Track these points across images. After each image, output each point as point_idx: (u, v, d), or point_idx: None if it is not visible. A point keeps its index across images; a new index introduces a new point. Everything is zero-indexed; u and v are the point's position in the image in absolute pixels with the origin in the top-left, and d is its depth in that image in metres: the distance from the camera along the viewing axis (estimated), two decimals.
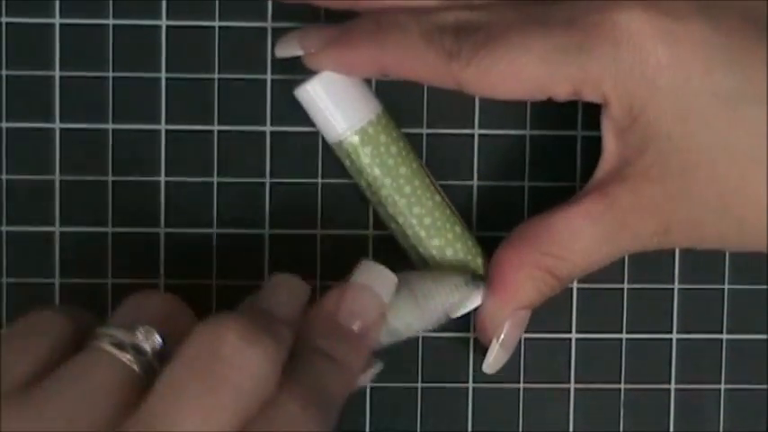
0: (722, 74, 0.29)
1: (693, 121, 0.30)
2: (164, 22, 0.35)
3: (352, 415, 0.36)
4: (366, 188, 0.34)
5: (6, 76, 0.35)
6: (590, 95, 0.31)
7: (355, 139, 0.33)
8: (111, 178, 0.36)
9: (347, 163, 0.34)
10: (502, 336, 0.34)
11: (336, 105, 0.33)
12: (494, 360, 0.34)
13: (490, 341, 0.34)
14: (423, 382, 0.36)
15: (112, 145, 0.36)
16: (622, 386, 0.37)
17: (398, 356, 0.36)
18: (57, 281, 0.36)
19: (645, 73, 0.30)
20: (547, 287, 0.33)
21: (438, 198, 0.34)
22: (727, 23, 0.30)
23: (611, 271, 0.34)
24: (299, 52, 0.33)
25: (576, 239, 0.32)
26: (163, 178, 0.36)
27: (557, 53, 0.30)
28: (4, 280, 0.36)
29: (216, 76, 0.36)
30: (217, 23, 0.36)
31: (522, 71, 0.30)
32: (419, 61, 0.31)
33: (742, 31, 0.30)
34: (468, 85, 0.31)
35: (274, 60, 0.35)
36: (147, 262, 0.36)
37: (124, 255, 0.36)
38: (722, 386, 0.37)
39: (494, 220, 0.36)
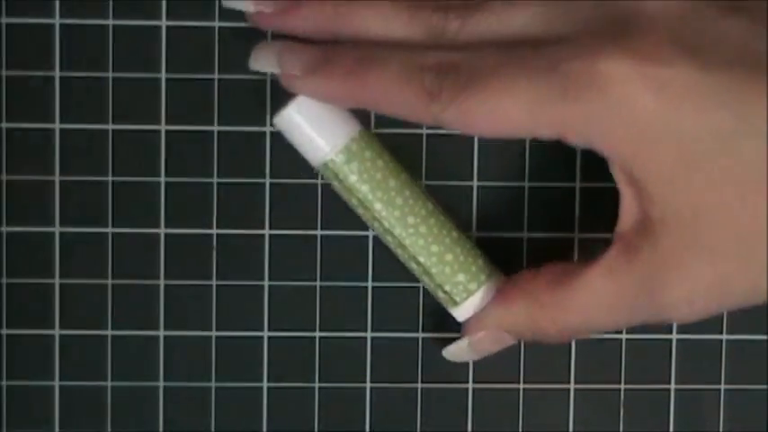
0: (716, 113, 0.29)
1: (695, 163, 0.29)
2: (164, 23, 0.35)
3: (353, 415, 0.36)
4: (358, 206, 0.34)
5: (6, 76, 0.35)
6: (574, 141, 0.30)
7: (340, 158, 0.33)
8: (111, 178, 0.36)
9: (335, 184, 0.33)
10: (476, 337, 0.34)
11: (317, 128, 0.33)
12: (455, 352, 0.34)
13: (466, 334, 0.34)
14: (423, 382, 0.36)
15: (112, 145, 0.36)
16: (622, 386, 0.37)
17: (398, 356, 0.36)
18: (57, 281, 0.36)
19: (633, 119, 0.29)
20: (539, 328, 0.33)
21: (430, 206, 0.34)
22: (714, 64, 0.29)
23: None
24: (277, 70, 0.32)
25: (589, 294, 0.31)
26: (163, 179, 0.36)
27: (540, 100, 0.29)
28: (4, 280, 0.36)
29: (216, 76, 0.36)
30: (217, 23, 0.36)
31: (504, 116, 0.30)
32: (398, 99, 0.31)
33: (730, 70, 0.29)
34: (448, 125, 0.31)
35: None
36: (147, 262, 0.36)
37: (124, 255, 0.36)
38: (722, 386, 0.37)
39: (494, 221, 0.36)
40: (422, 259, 0.34)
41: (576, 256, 0.36)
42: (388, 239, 0.34)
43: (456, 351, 0.34)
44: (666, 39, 0.29)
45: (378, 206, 0.33)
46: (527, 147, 0.36)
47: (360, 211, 0.34)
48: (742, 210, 0.29)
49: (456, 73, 0.30)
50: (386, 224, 0.33)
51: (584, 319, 0.32)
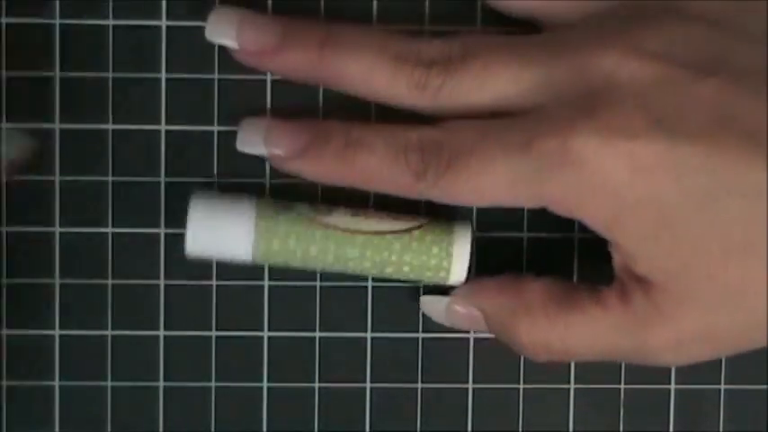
0: (690, 179, 0.29)
1: (675, 225, 0.30)
2: (164, 23, 0.35)
3: (353, 415, 0.36)
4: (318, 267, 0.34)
5: (6, 76, 0.35)
6: (557, 211, 0.31)
7: (259, 255, 0.34)
8: (110, 178, 0.36)
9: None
10: (457, 309, 0.34)
11: (222, 245, 0.33)
12: (431, 307, 0.35)
13: (448, 304, 0.34)
14: (423, 382, 0.37)
15: (112, 145, 0.36)
16: (622, 386, 0.37)
17: (398, 356, 0.36)
18: (57, 281, 0.36)
19: (609, 192, 0.30)
20: (513, 330, 0.33)
21: (359, 237, 0.34)
22: (685, 132, 0.29)
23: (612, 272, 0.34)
24: (264, 152, 0.33)
25: (579, 321, 0.32)
26: (163, 179, 0.36)
27: (518, 178, 0.30)
28: (4, 280, 0.36)
29: (216, 76, 0.36)
30: None
31: (486, 194, 0.31)
32: (386, 180, 0.32)
33: (705, 135, 0.29)
34: (436, 199, 0.32)
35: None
36: (147, 262, 0.36)
37: (124, 255, 0.36)
38: (722, 386, 0.37)
39: (494, 221, 0.36)
40: (390, 271, 0.34)
41: (576, 256, 0.36)
42: (367, 272, 0.34)
43: (432, 306, 0.35)
44: (637, 111, 0.30)
45: (329, 259, 0.34)
46: None
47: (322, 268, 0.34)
48: (727, 266, 0.30)
49: (438, 152, 0.31)
50: (338, 268, 0.34)
51: (563, 341, 0.32)
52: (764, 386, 0.37)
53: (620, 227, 0.30)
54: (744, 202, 0.29)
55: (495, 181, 0.31)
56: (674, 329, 0.31)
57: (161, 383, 0.36)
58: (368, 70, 0.32)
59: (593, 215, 0.30)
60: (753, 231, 0.30)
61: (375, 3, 0.35)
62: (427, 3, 0.35)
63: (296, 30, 0.33)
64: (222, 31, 0.33)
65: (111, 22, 0.35)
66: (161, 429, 0.36)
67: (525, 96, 0.31)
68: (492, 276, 0.34)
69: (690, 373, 0.37)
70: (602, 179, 0.30)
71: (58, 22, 0.35)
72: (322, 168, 0.33)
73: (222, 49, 0.35)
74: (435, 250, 0.34)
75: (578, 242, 0.36)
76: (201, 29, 0.35)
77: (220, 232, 0.33)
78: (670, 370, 0.37)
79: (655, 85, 0.30)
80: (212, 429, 0.36)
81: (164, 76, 0.36)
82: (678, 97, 0.30)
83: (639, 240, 0.30)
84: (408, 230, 0.34)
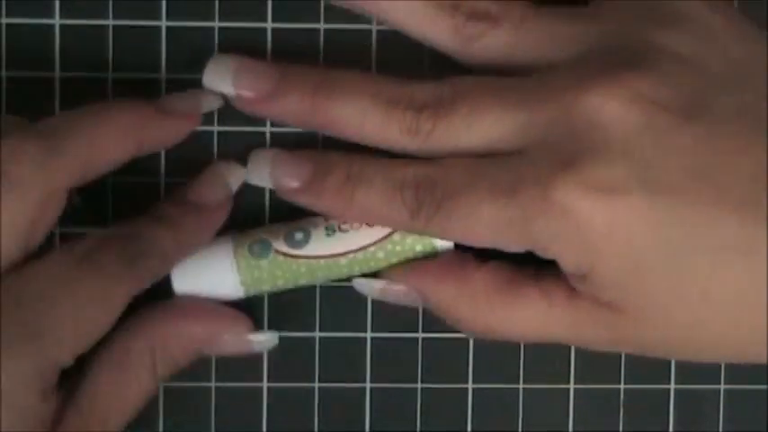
0: (665, 231, 0.30)
1: (643, 272, 0.30)
2: (164, 23, 0.35)
3: (352, 415, 0.36)
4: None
5: (6, 76, 0.35)
6: (542, 255, 0.32)
7: (252, 295, 0.34)
8: (110, 178, 0.35)
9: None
10: (395, 288, 0.34)
11: (210, 285, 0.34)
12: (364, 286, 0.35)
13: (388, 279, 0.34)
14: (423, 382, 0.36)
15: None
16: (622, 386, 0.37)
17: (398, 356, 0.36)
18: None
19: (587, 241, 0.30)
20: (456, 314, 0.33)
21: (343, 258, 0.34)
22: (667, 183, 0.30)
23: None
24: (270, 185, 0.34)
25: (521, 311, 0.33)
26: (163, 179, 0.36)
27: (503, 223, 0.31)
28: None
29: None
30: (216, 23, 0.36)
31: (476, 236, 0.32)
32: (383, 216, 0.33)
33: (682, 189, 0.30)
34: (432, 236, 0.33)
35: (274, 60, 0.35)
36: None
37: None
38: (722, 386, 0.37)
39: None
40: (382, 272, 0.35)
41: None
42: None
43: (366, 287, 0.35)
44: (618, 163, 0.30)
45: (304, 282, 0.34)
46: None
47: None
48: (683, 315, 0.31)
49: (432, 191, 0.32)
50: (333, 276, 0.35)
51: (505, 328, 0.33)
52: (764, 386, 0.37)
53: (593, 271, 0.31)
54: (711, 258, 0.30)
55: (481, 225, 0.31)
56: (614, 339, 0.32)
57: (161, 383, 0.36)
58: (360, 115, 0.33)
59: (571, 261, 0.31)
60: (715, 288, 0.30)
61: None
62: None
63: (291, 76, 0.33)
64: (219, 78, 0.34)
65: (111, 22, 0.35)
66: (161, 429, 0.36)
67: (509, 140, 0.32)
68: (434, 259, 0.34)
69: (690, 373, 0.37)
70: (582, 230, 0.30)
71: (57, 22, 0.35)
72: (323, 202, 0.33)
73: (221, 49, 0.35)
74: (419, 248, 0.34)
75: None
76: (201, 29, 0.35)
77: (208, 289, 0.34)
78: (670, 370, 0.37)
79: (635, 131, 0.30)
80: (212, 429, 0.36)
81: (164, 76, 0.36)
82: (657, 147, 0.30)
83: (608, 283, 0.31)
84: (388, 236, 0.34)
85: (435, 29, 0.33)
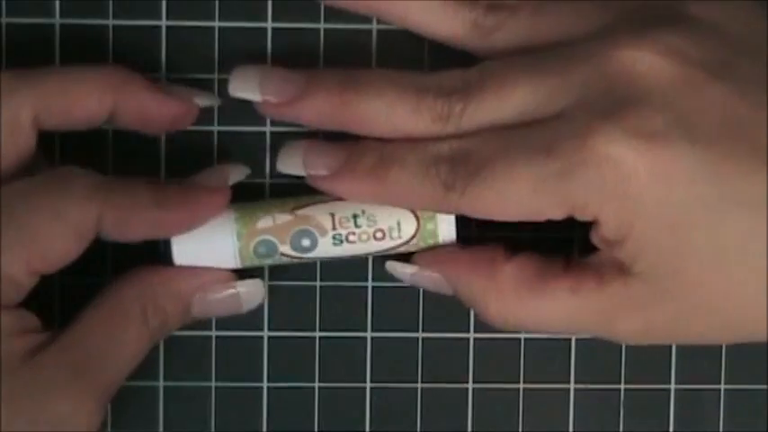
0: (705, 184, 0.30)
1: (681, 230, 0.30)
2: (164, 23, 0.35)
3: (352, 415, 0.36)
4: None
5: None
6: (582, 217, 0.31)
7: (250, 249, 0.34)
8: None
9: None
10: (424, 274, 0.34)
11: (209, 255, 0.34)
12: (397, 270, 0.35)
13: (418, 265, 0.34)
14: (423, 382, 0.36)
15: (113, 144, 0.36)
16: (622, 386, 0.37)
17: (398, 356, 0.36)
18: (57, 281, 0.35)
19: (628, 192, 0.30)
20: (484, 307, 0.33)
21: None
22: (704, 135, 0.30)
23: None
24: (302, 172, 0.33)
25: (550, 305, 0.32)
26: (163, 179, 0.36)
27: (541, 182, 0.31)
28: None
29: (216, 76, 0.36)
30: (217, 23, 0.36)
31: (511, 201, 0.31)
32: (418, 194, 0.32)
33: (717, 143, 0.30)
34: (466, 212, 0.32)
35: (274, 60, 0.35)
36: (147, 262, 0.35)
37: (124, 255, 0.35)
38: (722, 386, 0.37)
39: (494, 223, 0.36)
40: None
41: (575, 257, 0.36)
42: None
43: (399, 271, 0.35)
44: (658, 112, 0.30)
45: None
46: None
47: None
48: (717, 274, 0.31)
49: (466, 162, 0.31)
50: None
51: (534, 322, 0.33)
52: (764, 386, 0.37)
53: (633, 229, 0.30)
54: (747, 213, 0.30)
55: (518, 186, 0.31)
56: (646, 320, 0.32)
57: (161, 383, 0.36)
58: (389, 107, 0.32)
59: (612, 217, 0.31)
60: (752, 244, 0.30)
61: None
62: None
63: (317, 77, 0.33)
64: (245, 85, 0.33)
65: (111, 22, 0.35)
66: (161, 429, 0.36)
67: (546, 104, 0.31)
68: (464, 250, 0.34)
69: (690, 373, 0.37)
70: (623, 178, 0.30)
71: (58, 21, 0.35)
72: (357, 185, 0.33)
73: (221, 49, 0.35)
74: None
75: (578, 241, 0.36)
76: (201, 29, 0.35)
77: (205, 242, 0.34)
78: (670, 370, 0.37)
79: (672, 82, 0.30)
80: (212, 429, 0.36)
81: (164, 75, 0.36)
82: (693, 99, 0.30)
83: (646, 243, 0.31)
84: (394, 248, 0.34)
85: (454, 25, 0.33)
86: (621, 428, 0.37)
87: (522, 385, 0.37)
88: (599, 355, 0.37)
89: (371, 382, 0.36)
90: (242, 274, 0.34)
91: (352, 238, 0.34)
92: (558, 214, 0.31)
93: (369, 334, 0.36)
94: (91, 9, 0.35)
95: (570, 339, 0.37)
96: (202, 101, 0.34)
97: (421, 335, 0.36)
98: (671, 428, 0.37)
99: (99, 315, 0.32)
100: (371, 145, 0.33)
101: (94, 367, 0.31)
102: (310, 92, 0.33)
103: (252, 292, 0.34)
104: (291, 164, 0.34)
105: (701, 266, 0.30)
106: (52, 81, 0.32)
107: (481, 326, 0.36)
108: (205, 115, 0.35)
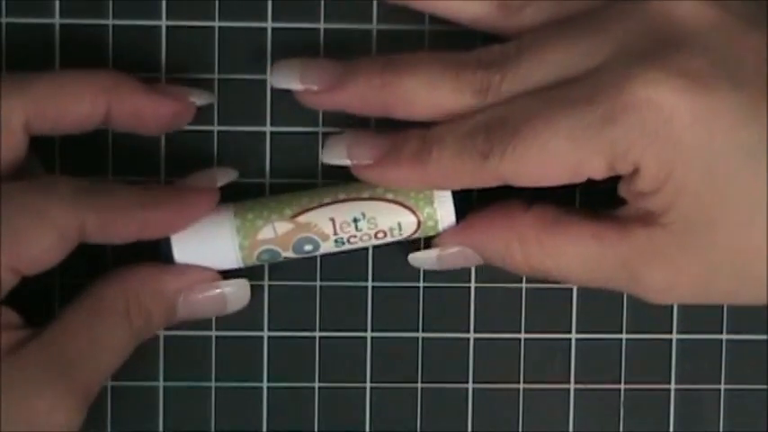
0: (745, 130, 0.30)
1: (719, 177, 0.30)
2: (164, 23, 0.35)
3: (352, 415, 0.36)
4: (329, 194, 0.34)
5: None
6: (622, 167, 0.31)
7: (253, 258, 0.34)
8: (110, 178, 0.35)
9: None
10: (448, 251, 0.34)
11: (210, 254, 0.33)
12: (422, 259, 0.35)
13: (439, 246, 0.34)
14: (423, 382, 0.36)
15: (112, 145, 0.36)
16: (622, 386, 0.37)
17: (398, 356, 0.36)
18: (57, 281, 0.35)
19: (671, 135, 0.30)
20: (511, 260, 0.33)
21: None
22: (742, 80, 0.30)
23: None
24: (348, 162, 0.33)
25: (572, 250, 0.32)
26: (163, 179, 0.36)
27: (582, 130, 0.30)
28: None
29: (216, 76, 0.36)
30: (217, 23, 0.36)
31: (553, 154, 0.31)
32: (460, 172, 0.32)
33: (756, 88, 0.30)
34: (508, 178, 0.31)
35: (274, 60, 0.35)
36: (147, 261, 0.35)
37: (124, 255, 0.35)
38: (722, 386, 0.37)
39: None
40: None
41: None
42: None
43: (423, 258, 0.35)
44: (699, 55, 0.30)
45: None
46: None
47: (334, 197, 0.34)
48: (751, 226, 0.30)
49: (503, 125, 0.31)
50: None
51: (559, 269, 0.33)
52: (764, 386, 0.37)
53: (672, 175, 0.30)
54: None
55: (560, 139, 0.30)
56: (672, 274, 0.31)
57: (161, 383, 0.36)
58: (430, 84, 0.32)
59: (652, 162, 0.30)
60: None
61: (375, 11, 0.36)
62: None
63: (356, 64, 0.33)
64: (286, 76, 0.33)
65: (111, 21, 0.35)
66: (161, 429, 0.36)
67: (584, 62, 0.31)
68: (480, 212, 0.34)
69: (690, 373, 0.37)
70: (666, 121, 0.30)
71: (58, 21, 0.35)
72: (400, 172, 0.33)
73: (221, 49, 0.35)
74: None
75: None
76: (201, 29, 0.35)
77: (204, 243, 0.34)
78: (670, 370, 0.37)
79: (711, 27, 0.30)
80: (212, 429, 0.36)
81: (164, 76, 0.36)
82: (733, 45, 0.30)
83: (684, 190, 0.30)
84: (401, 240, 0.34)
85: (482, 6, 0.33)
86: (621, 428, 0.37)
87: (522, 385, 0.37)
88: (599, 355, 0.37)
89: (371, 382, 0.36)
90: (228, 273, 0.34)
91: (353, 240, 0.34)
92: (599, 169, 0.31)
93: (369, 334, 0.36)
94: (91, 9, 0.35)
95: (570, 339, 0.37)
96: (198, 99, 0.34)
97: (421, 335, 0.36)
98: (671, 428, 0.37)
99: (81, 313, 0.32)
100: (414, 132, 0.33)
101: (75, 365, 0.31)
102: (350, 77, 0.33)
103: (237, 293, 0.34)
104: (336, 155, 0.33)
105: (736, 218, 0.30)
106: (43, 85, 0.32)
107: (481, 326, 0.36)
108: (205, 115, 0.35)
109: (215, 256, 0.33)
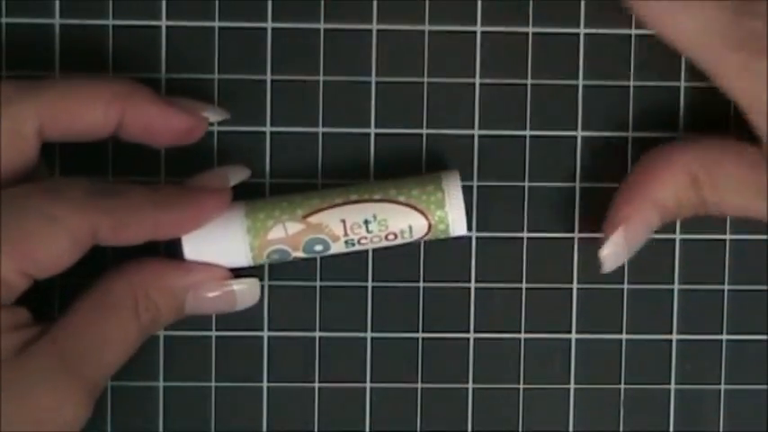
0: None
1: None
2: (164, 23, 0.35)
3: (352, 415, 0.36)
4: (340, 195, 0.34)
5: (6, 76, 0.35)
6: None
7: (263, 257, 0.34)
8: (111, 179, 0.35)
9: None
10: (630, 226, 0.33)
11: (220, 253, 0.33)
12: (613, 250, 0.34)
13: (617, 226, 0.34)
14: (423, 382, 0.36)
15: (112, 145, 0.36)
16: (622, 386, 0.37)
17: (398, 356, 0.36)
18: (57, 281, 0.35)
19: None
20: (686, 203, 0.33)
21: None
22: None
23: (612, 271, 0.34)
24: None
25: (736, 176, 0.32)
26: (163, 179, 0.36)
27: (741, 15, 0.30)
28: None
29: (216, 76, 0.36)
30: (217, 23, 0.36)
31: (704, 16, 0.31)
32: (708, 19, 0.31)
33: None
34: (747, 54, 0.31)
35: (274, 60, 0.35)
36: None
37: (124, 255, 0.35)
38: (722, 386, 0.37)
39: (494, 221, 0.36)
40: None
41: (575, 257, 0.36)
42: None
43: (612, 248, 0.34)
44: None
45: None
46: (527, 147, 0.36)
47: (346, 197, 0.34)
48: None
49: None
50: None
51: (721, 197, 0.33)
52: (764, 386, 0.37)
53: None
54: None
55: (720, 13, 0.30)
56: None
57: (161, 383, 0.36)
58: None
59: None
60: None
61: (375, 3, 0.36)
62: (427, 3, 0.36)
63: None
64: None
65: (111, 22, 0.35)
66: (161, 429, 0.36)
67: None
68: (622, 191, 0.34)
69: (690, 372, 0.37)
70: None
71: (58, 21, 0.35)
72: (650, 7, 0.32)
73: (221, 49, 0.35)
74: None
75: (578, 241, 0.36)
76: (201, 29, 0.35)
77: (215, 241, 0.33)
78: (670, 370, 0.37)
79: None
80: (212, 429, 0.36)
81: (164, 76, 0.36)
82: None
83: None
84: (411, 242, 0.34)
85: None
86: (621, 428, 0.37)
87: (522, 385, 0.37)
88: (599, 355, 0.37)
89: (371, 382, 0.36)
90: (239, 271, 0.34)
91: (363, 241, 0.34)
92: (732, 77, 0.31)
93: (369, 334, 0.36)
94: (91, 9, 0.35)
95: (570, 339, 0.37)
96: (212, 115, 0.34)
97: (421, 335, 0.36)
98: (671, 428, 0.37)
99: (89, 307, 0.32)
100: None
101: (83, 360, 0.31)
102: None
103: (247, 291, 0.34)
104: None
105: None
106: (57, 91, 0.32)
107: (481, 326, 0.36)
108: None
109: (225, 254, 0.33)
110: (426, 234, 0.34)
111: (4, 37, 0.35)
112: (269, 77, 0.36)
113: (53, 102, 0.31)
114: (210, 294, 0.33)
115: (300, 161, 0.36)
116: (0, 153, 0.31)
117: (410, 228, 0.34)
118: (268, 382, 0.36)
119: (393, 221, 0.33)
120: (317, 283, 0.36)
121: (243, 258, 0.34)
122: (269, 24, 0.36)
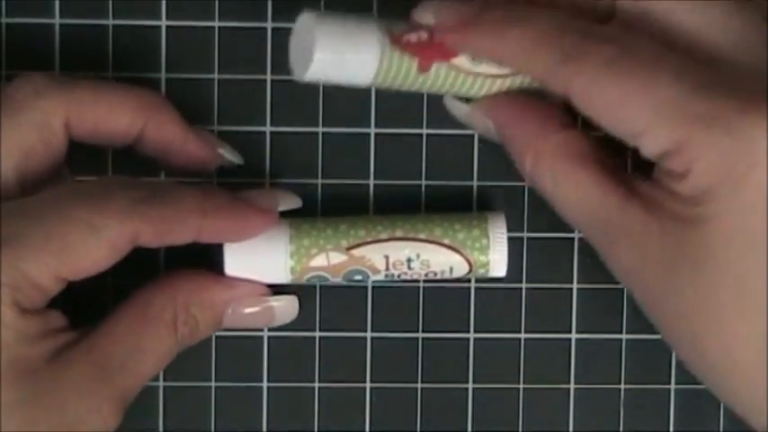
0: None
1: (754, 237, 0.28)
2: (164, 23, 0.35)
3: (352, 415, 0.36)
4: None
5: (6, 76, 0.35)
6: (676, 162, 0.29)
7: (302, 280, 0.34)
8: (111, 176, 0.36)
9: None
10: (476, 114, 0.33)
11: (260, 271, 0.34)
12: (455, 107, 0.34)
13: (473, 108, 0.33)
14: (423, 382, 0.36)
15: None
16: (622, 386, 0.37)
17: (398, 356, 0.36)
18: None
19: (742, 179, 0.28)
20: (520, 165, 0.32)
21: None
22: None
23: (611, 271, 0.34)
24: (432, 21, 0.31)
25: (574, 194, 0.31)
26: (163, 179, 0.36)
27: (682, 99, 0.28)
28: None
29: (216, 76, 0.36)
30: (217, 23, 0.36)
31: (633, 99, 0.29)
32: (533, 58, 0.30)
33: None
34: (572, 94, 0.30)
35: (274, 60, 0.35)
36: (147, 262, 0.35)
37: (125, 257, 0.35)
38: None
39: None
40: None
41: (575, 257, 0.36)
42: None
43: (454, 106, 0.34)
44: None
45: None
46: None
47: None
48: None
49: (605, 44, 0.30)
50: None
51: (555, 198, 0.32)
52: None
53: (715, 195, 0.29)
54: None
55: (649, 93, 0.29)
56: (676, 253, 0.29)
57: (161, 383, 0.36)
58: None
59: (707, 179, 0.28)
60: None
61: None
62: None
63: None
64: (424, 13, 0.32)
65: (111, 21, 0.35)
66: (161, 429, 0.36)
67: (703, 31, 0.30)
68: (519, 100, 0.33)
69: (690, 373, 0.37)
70: (750, 166, 0.28)
71: (58, 21, 0.35)
72: (480, 40, 0.31)
73: (221, 49, 0.35)
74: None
75: (578, 242, 0.36)
76: (201, 29, 0.35)
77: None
78: (670, 370, 0.37)
79: None
80: (212, 429, 0.36)
81: (164, 76, 0.36)
82: None
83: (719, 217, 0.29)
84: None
85: None
86: (621, 428, 0.37)
87: (522, 385, 0.37)
88: (599, 355, 0.37)
89: (371, 382, 0.36)
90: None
91: (403, 276, 0.34)
92: (658, 145, 0.29)
93: (369, 334, 0.36)
94: (91, 9, 0.35)
95: (570, 339, 0.37)
96: (227, 154, 0.34)
97: (421, 335, 0.36)
98: (671, 428, 0.37)
99: (128, 318, 0.32)
100: (504, 4, 0.31)
101: (117, 371, 0.31)
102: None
103: (286, 308, 0.34)
104: (424, 14, 0.32)
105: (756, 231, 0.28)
106: (86, 89, 0.32)
107: (481, 326, 0.36)
108: (205, 115, 0.35)
109: (265, 273, 0.34)
110: (467, 274, 0.34)
111: (4, 37, 0.35)
112: (269, 77, 0.36)
113: (83, 99, 0.32)
114: (250, 310, 0.34)
115: (300, 161, 0.36)
116: (37, 153, 0.31)
117: (451, 269, 0.34)
118: (268, 382, 0.36)
119: (435, 262, 0.34)
120: (317, 283, 0.36)
121: (282, 279, 0.34)
122: (269, 24, 0.36)
